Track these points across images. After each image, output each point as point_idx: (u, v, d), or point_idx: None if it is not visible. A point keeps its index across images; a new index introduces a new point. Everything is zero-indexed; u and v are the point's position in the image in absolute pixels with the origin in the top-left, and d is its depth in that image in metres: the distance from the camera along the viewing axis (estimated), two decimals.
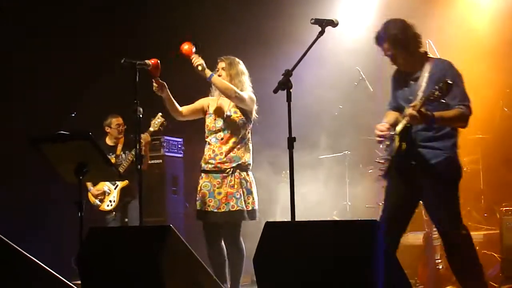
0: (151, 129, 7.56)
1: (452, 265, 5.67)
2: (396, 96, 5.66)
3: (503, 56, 8.54)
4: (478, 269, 5.58)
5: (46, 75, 9.06)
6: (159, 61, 6.03)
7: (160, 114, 7.29)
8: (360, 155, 8.57)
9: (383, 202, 7.18)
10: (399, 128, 5.44)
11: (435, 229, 6.70)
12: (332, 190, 8.37)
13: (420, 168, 5.42)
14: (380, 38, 5.51)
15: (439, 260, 6.80)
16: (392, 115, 5.60)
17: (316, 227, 4.26)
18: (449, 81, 4.97)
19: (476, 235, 7.14)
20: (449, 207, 5.47)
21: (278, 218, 7.92)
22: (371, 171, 8.31)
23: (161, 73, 6.11)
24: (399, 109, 5.56)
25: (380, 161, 5.54)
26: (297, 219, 4.82)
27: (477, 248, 6.77)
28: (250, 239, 5.82)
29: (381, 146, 5.61)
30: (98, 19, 9.54)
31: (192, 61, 6.13)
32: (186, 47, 6.12)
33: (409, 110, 5.17)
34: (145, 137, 7.62)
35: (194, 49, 6.14)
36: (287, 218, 4.93)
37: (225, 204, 6.18)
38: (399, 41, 5.42)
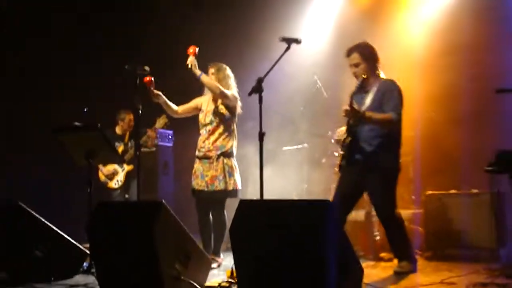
0: (156, 126, 7.58)
1: (388, 238, 5.74)
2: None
3: (431, 69, 8.57)
4: (406, 240, 5.68)
5: (60, 75, 8.94)
6: (152, 78, 6.06)
7: (165, 115, 7.29)
8: (316, 147, 8.56)
9: (334, 186, 7.23)
10: (347, 125, 5.51)
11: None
12: (292, 175, 8.36)
13: (364, 162, 5.46)
14: (351, 50, 5.66)
15: (377, 233, 6.82)
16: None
17: (281, 204, 4.26)
18: (364, 77, 5.42)
19: (406, 213, 7.16)
20: (387, 196, 5.55)
21: (249, 196, 7.90)
22: (324, 160, 8.31)
23: (156, 82, 6.14)
24: None
25: (336, 156, 5.59)
26: (264, 198, 4.82)
27: (406, 223, 6.83)
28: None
29: (332, 140, 5.66)
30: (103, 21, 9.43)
31: (188, 60, 6.13)
32: (191, 50, 6.14)
33: (343, 107, 5.26)
34: (151, 133, 7.69)
35: (196, 51, 6.16)
36: (257, 197, 4.90)
37: (211, 185, 6.23)
38: (367, 56, 5.61)
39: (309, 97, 8.76)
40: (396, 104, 5.48)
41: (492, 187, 5.80)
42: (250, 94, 4.93)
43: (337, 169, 5.72)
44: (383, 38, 8.79)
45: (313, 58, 8.89)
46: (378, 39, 8.69)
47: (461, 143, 8.38)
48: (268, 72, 4.99)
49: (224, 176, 6.22)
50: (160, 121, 7.45)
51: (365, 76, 5.60)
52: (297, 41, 5.21)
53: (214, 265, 5.95)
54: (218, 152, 6.27)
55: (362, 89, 5.66)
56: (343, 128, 5.63)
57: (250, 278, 3.96)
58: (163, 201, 4.51)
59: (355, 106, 5.26)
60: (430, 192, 7.03)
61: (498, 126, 8.00)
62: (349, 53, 5.68)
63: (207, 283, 4.63)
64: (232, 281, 4.34)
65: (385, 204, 5.58)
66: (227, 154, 6.31)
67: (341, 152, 5.64)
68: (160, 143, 8.57)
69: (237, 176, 6.36)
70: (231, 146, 6.37)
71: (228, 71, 6.48)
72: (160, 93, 6.25)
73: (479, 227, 6.42)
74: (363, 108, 5.44)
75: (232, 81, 6.46)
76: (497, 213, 6.32)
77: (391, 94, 5.51)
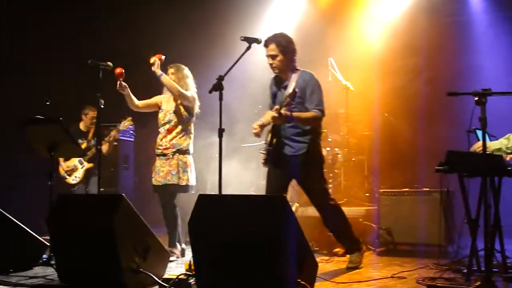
0: (120, 128, 7.54)
1: (328, 228, 5.82)
2: (273, 100, 5.73)
3: (387, 71, 8.71)
4: (348, 228, 5.72)
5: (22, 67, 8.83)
6: (123, 70, 6.06)
7: (130, 118, 7.27)
8: None
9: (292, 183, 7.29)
10: (270, 126, 5.51)
11: None
12: (250, 171, 8.40)
13: (289, 157, 5.50)
14: (269, 40, 5.54)
15: None
16: (268, 114, 5.55)
17: (239, 199, 4.31)
18: (295, 89, 5.21)
19: (360, 210, 7.32)
20: (317, 186, 5.58)
21: (208, 191, 7.92)
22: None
23: (125, 76, 6.14)
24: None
25: (262, 152, 5.60)
26: (222, 193, 4.86)
27: (360, 220, 6.96)
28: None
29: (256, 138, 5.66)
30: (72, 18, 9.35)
31: (152, 59, 6.22)
32: (158, 57, 6.23)
33: (271, 113, 5.27)
34: (114, 133, 7.64)
35: (162, 58, 6.26)
36: (216, 191, 4.93)
37: (164, 179, 6.31)
38: (284, 47, 5.51)
39: (266, 96, 8.81)
40: (319, 101, 5.49)
41: (442, 186, 5.93)
42: (210, 91, 4.96)
43: (262, 162, 5.67)
44: (342, 39, 8.92)
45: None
46: (338, 40, 8.85)
47: (415, 143, 8.56)
48: (228, 70, 5.03)
49: (178, 171, 6.32)
50: (125, 123, 7.42)
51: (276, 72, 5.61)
52: (257, 41, 5.26)
53: (173, 257, 5.98)
54: (174, 150, 6.37)
55: (279, 84, 5.67)
56: (259, 122, 5.54)
57: (208, 271, 4.00)
58: (123, 194, 4.52)
59: (283, 110, 5.25)
60: (383, 189, 7.15)
61: (449, 128, 8.17)
62: (267, 43, 5.54)
63: (166, 276, 4.64)
64: (190, 273, 4.36)
65: (319, 194, 5.64)
66: (183, 151, 6.40)
67: (266, 149, 5.55)
68: (121, 138, 8.54)
69: (191, 172, 6.43)
70: (187, 144, 6.46)
71: (187, 71, 6.55)
72: (127, 85, 6.27)
73: (430, 224, 6.56)
74: (275, 105, 5.43)
75: (190, 80, 6.54)
76: (446, 211, 6.46)
77: (312, 90, 5.50)
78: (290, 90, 5.43)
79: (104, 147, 7.64)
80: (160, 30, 8.98)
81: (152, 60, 6.21)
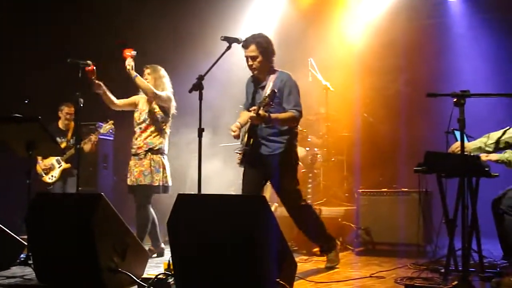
0: (101, 131, 7.48)
1: (300, 229, 5.83)
2: (249, 100, 5.74)
3: (368, 71, 8.75)
4: (320, 228, 5.73)
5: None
6: (94, 67, 6.02)
7: (112, 122, 7.23)
8: None
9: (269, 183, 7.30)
10: (247, 127, 5.51)
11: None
12: (230, 171, 8.40)
13: (266, 157, 5.51)
14: (248, 41, 5.52)
15: None
16: (245, 115, 5.58)
17: (218, 199, 4.31)
18: (275, 90, 5.19)
19: (339, 210, 7.36)
20: (290, 186, 5.58)
21: (187, 191, 7.91)
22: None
23: (97, 74, 6.11)
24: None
25: (238, 152, 5.60)
26: (202, 192, 4.85)
27: (339, 219, 6.99)
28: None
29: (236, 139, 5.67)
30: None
31: (127, 62, 6.19)
32: (128, 53, 6.22)
33: (249, 114, 5.28)
34: (94, 137, 7.59)
35: (133, 54, 6.23)
36: (195, 191, 4.92)
37: (137, 179, 6.30)
38: (263, 48, 5.50)
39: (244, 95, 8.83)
40: (296, 101, 5.52)
41: (421, 186, 5.97)
42: (190, 91, 4.95)
43: (238, 162, 5.69)
44: (322, 39, 8.95)
45: None
46: (318, 40, 8.87)
47: (394, 143, 8.62)
48: (209, 70, 5.02)
49: (151, 172, 6.30)
50: (106, 127, 7.37)
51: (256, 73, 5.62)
52: (237, 41, 5.27)
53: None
54: (147, 149, 6.36)
55: (256, 85, 5.68)
56: (237, 124, 5.55)
57: (187, 271, 3.99)
58: (102, 194, 4.50)
59: (261, 111, 5.26)
60: (362, 189, 7.19)
61: (428, 128, 8.23)
62: (246, 44, 5.52)
63: (145, 275, 4.62)
64: (169, 273, 4.35)
65: (290, 195, 5.62)
66: (155, 151, 6.38)
67: (242, 149, 5.56)
68: (101, 137, 8.48)
69: (165, 173, 6.41)
70: (160, 143, 6.43)
71: (163, 71, 6.57)
72: (101, 83, 6.24)
73: (408, 224, 6.61)
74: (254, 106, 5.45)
75: (166, 80, 6.56)
76: (425, 211, 6.51)
77: (289, 91, 5.52)
78: (268, 90, 5.42)
79: (86, 147, 7.58)
80: (140, 29, 8.95)
81: (127, 64, 6.19)
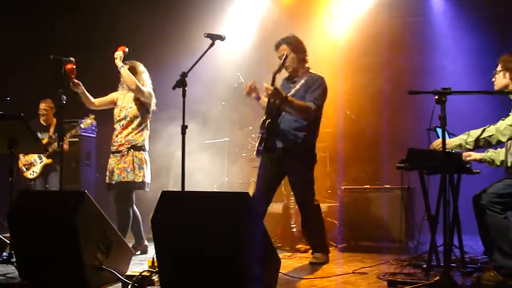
0: (82, 126, 7.45)
1: (306, 228, 5.91)
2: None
3: (350, 69, 8.79)
4: (323, 230, 5.88)
5: None
6: (74, 66, 6.02)
7: (93, 116, 7.20)
8: (237, 142, 8.64)
9: (253, 179, 7.36)
10: (265, 105, 5.66)
11: (292, 200, 6.91)
12: (213, 168, 8.42)
13: (285, 150, 5.60)
14: (279, 42, 5.79)
15: (294, 225, 6.98)
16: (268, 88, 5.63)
17: (202, 196, 4.31)
18: (286, 54, 5.51)
19: (322, 207, 7.34)
20: (307, 186, 5.72)
21: (170, 187, 7.92)
22: (244, 154, 8.41)
23: (77, 73, 6.10)
24: None
25: (254, 141, 5.67)
26: (185, 189, 4.86)
27: (322, 216, 7.02)
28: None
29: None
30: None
31: (116, 53, 6.28)
32: (122, 49, 6.30)
33: (266, 84, 5.39)
34: (74, 131, 7.56)
35: (126, 50, 6.30)
36: (178, 188, 4.93)
37: (119, 176, 6.28)
38: (294, 45, 5.75)
39: (231, 92, 8.84)
40: (317, 96, 5.66)
41: (403, 183, 6.02)
42: (174, 88, 4.95)
43: (254, 153, 5.79)
44: (305, 36, 8.95)
45: (236, 55, 8.98)
46: (301, 37, 8.87)
47: (376, 140, 8.67)
48: (192, 67, 5.02)
49: (133, 168, 6.29)
50: (87, 121, 7.35)
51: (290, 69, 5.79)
52: (221, 38, 5.27)
53: None
54: (129, 146, 6.34)
55: (290, 79, 5.87)
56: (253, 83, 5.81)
57: (171, 268, 4.00)
58: (86, 191, 4.49)
59: (279, 88, 5.41)
60: (345, 186, 7.23)
61: (411, 126, 8.29)
62: (277, 45, 5.82)
63: (129, 272, 4.62)
64: (154, 270, 4.36)
65: (306, 191, 5.76)
66: (137, 148, 6.37)
67: (260, 136, 5.71)
68: (83, 134, 8.46)
69: (146, 169, 6.42)
70: (143, 141, 6.43)
71: (142, 67, 6.57)
72: (79, 83, 6.23)
73: (391, 220, 6.68)
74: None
75: (146, 76, 6.56)
76: (407, 207, 6.58)
77: (316, 87, 5.69)
78: (298, 85, 5.69)
79: (66, 146, 7.56)
80: (124, 26, 8.92)
81: (116, 54, 6.24)
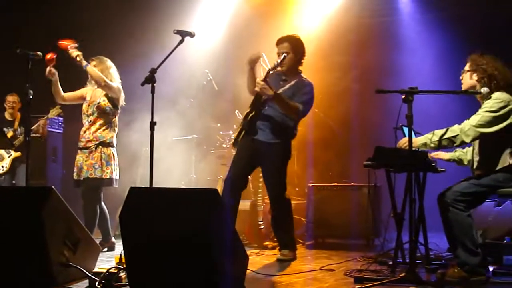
0: (49, 116, 7.38)
1: (275, 223, 5.95)
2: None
3: (318, 68, 8.84)
4: (291, 226, 5.93)
5: None
6: (54, 57, 5.98)
7: (58, 106, 7.12)
8: (205, 139, 8.64)
9: (221, 176, 7.39)
10: (252, 101, 5.75)
11: (259, 197, 6.95)
12: (181, 165, 8.42)
13: (262, 144, 5.66)
14: (283, 39, 5.87)
15: (261, 222, 7.02)
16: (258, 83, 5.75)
17: (170, 192, 4.32)
18: (285, 54, 5.56)
19: None
20: (281, 178, 5.78)
21: (138, 184, 7.89)
22: (212, 151, 8.42)
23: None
24: None
25: (233, 136, 5.77)
26: (153, 186, 4.86)
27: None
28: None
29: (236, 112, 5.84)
30: None
31: (70, 53, 6.17)
32: (62, 42, 6.20)
33: (258, 80, 5.46)
34: (43, 121, 7.49)
35: (73, 44, 6.20)
36: (146, 184, 4.93)
37: (86, 172, 6.24)
38: (296, 48, 5.83)
39: (200, 89, 8.84)
40: (306, 101, 5.78)
41: (370, 180, 6.10)
42: (143, 84, 4.94)
43: (231, 144, 5.89)
44: (274, 35, 8.99)
45: (205, 52, 8.98)
46: (270, 36, 8.89)
47: (344, 138, 8.75)
48: (161, 63, 5.01)
49: (101, 165, 6.26)
50: (53, 112, 7.28)
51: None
52: (190, 35, 5.25)
53: None
54: (97, 142, 6.31)
55: (280, 76, 5.89)
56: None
57: (139, 265, 4.00)
58: (53, 187, 4.46)
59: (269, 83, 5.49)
60: (312, 184, 7.29)
61: (378, 124, 8.39)
62: (280, 41, 5.87)
63: (96, 269, 4.61)
64: (121, 267, 4.35)
65: (279, 183, 5.83)
66: (106, 144, 6.35)
67: (240, 127, 5.84)
68: (50, 129, 8.38)
69: (114, 165, 6.39)
70: (111, 137, 6.41)
71: (109, 62, 6.52)
72: (56, 72, 6.19)
73: (357, 218, 6.75)
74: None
75: (114, 71, 6.51)
76: (374, 205, 6.66)
77: (305, 92, 5.79)
78: (287, 85, 5.75)
79: (40, 132, 7.51)
80: (91, 22, 8.86)
81: (74, 54, 6.16)
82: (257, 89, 5.57)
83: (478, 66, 4.78)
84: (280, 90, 5.66)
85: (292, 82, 5.80)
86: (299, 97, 5.73)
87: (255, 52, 5.81)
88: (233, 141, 5.93)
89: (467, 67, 4.89)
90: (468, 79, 4.87)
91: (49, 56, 6.00)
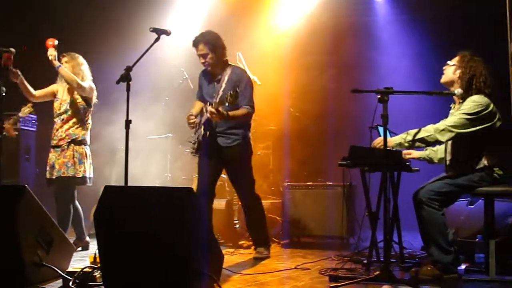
0: (20, 114, 7.29)
1: (248, 220, 5.99)
2: (202, 91, 6.00)
3: (293, 67, 8.88)
4: (265, 225, 5.97)
5: None
6: (12, 56, 5.89)
7: (31, 104, 7.04)
8: (180, 138, 8.62)
9: (196, 175, 7.38)
10: (203, 119, 5.74)
11: (235, 196, 6.96)
12: (156, 164, 8.39)
13: (224, 148, 5.71)
14: (197, 40, 5.83)
15: (237, 221, 7.03)
16: (198, 106, 6.00)
17: (145, 191, 4.31)
18: (238, 90, 5.34)
19: (265, 203, 7.42)
20: (246, 176, 5.82)
21: (113, 182, 7.85)
22: (187, 150, 8.40)
23: (15, 62, 5.98)
24: (204, 100, 5.90)
25: (191, 141, 5.81)
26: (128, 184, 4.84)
27: (265, 212, 7.08)
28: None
29: (193, 130, 5.84)
30: None
31: (48, 52, 6.12)
32: (50, 42, 6.16)
33: (210, 109, 5.46)
34: (14, 119, 7.41)
35: (55, 43, 6.16)
36: (121, 183, 4.90)
37: (59, 171, 6.20)
38: (212, 45, 5.79)
39: (175, 87, 8.82)
40: (249, 97, 5.84)
41: (345, 180, 6.14)
42: (118, 82, 4.92)
43: (192, 151, 5.87)
44: (250, 33, 9.02)
45: (181, 50, 8.95)
46: (246, 34, 8.92)
47: (319, 137, 8.79)
48: (137, 61, 4.99)
49: (74, 163, 6.22)
50: (25, 110, 7.19)
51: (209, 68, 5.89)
52: (166, 33, 5.24)
53: None
54: (69, 140, 6.28)
55: (212, 78, 5.93)
56: (193, 113, 5.86)
57: (114, 263, 3.99)
58: (26, 185, 4.42)
59: (221, 109, 5.44)
60: (288, 183, 7.32)
61: (353, 124, 8.44)
62: (195, 44, 5.85)
63: (70, 269, 4.58)
64: (95, 266, 4.33)
65: (245, 179, 5.93)
66: (78, 142, 6.31)
67: (197, 140, 5.82)
68: (23, 127, 8.28)
69: (87, 164, 6.36)
70: (84, 135, 6.38)
71: (81, 59, 6.49)
72: (18, 71, 6.10)
73: (332, 217, 6.79)
74: (217, 97, 5.64)
75: (85, 68, 6.48)
76: (349, 204, 6.70)
77: (243, 87, 5.78)
78: (223, 84, 5.76)
79: (12, 132, 7.43)
80: (66, 18, 8.79)
81: (49, 54, 6.13)
82: (209, 116, 5.55)
83: (466, 64, 4.83)
84: (220, 93, 5.67)
85: (226, 78, 5.83)
86: (242, 98, 5.66)
87: (190, 119, 5.82)
88: (194, 151, 5.87)
89: (453, 61, 4.94)
90: (450, 73, 4.93)
91: (5, 56, 5.88)
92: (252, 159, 6.06)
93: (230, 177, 6.09)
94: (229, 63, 5.96)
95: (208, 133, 5.75)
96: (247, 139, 5.97)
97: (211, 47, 5.79)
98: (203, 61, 5.85)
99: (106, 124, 7.44)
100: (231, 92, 5.26)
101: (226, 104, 5.28)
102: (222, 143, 5.81)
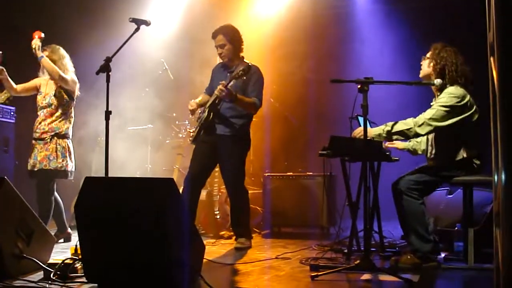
0: None
1: (233, 211, 6.02)
2: (214, 84, 6.01)
3: (272, 58, 8.87)
4: (248, 218, 5.99)
5: None
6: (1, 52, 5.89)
7: (6, 91, 6.98)
8: (160, 129, 8.62)
9: (177, 166, 7.39)
10: (210, 102, 5.86)
11: (215, 187, 6.98)
12: (136, 155, 8.37)
13: (221, 136, 5.76)
14: (216, 31, 5.97)
15: (217, 212, 7.03)
16: (205, 97, 6.13)
17: (126, 182, 4.30)
18: (249, 64, 5.57)
19: None
20: (235, 168, 5.86)
21: (93, 174, 7.81)
22: (168, 141, 8.41)
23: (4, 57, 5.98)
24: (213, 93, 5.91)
25: (190, 130, 5.89)
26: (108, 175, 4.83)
27: None
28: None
29: (190, 116, 5.95)
30: None
31: (33, 42, 6.16)
32: (36, 35, 6.18)
33: (220, 86, 5.52)
34: None
35: (42, 35, 6.19)
36: (102, 174, 4.89)
37: (41, 164, 6.17)
38: (230, 37, 5.94)
39: (155, 78, 8.80)
40: (259, 91, 5.95)
41: (325, 170, 6.18)
42: (97, 73, 4.89)
43: (190, 139, 5.96)
44: (231, 23, 9.00)
45: (161, 42, 8.93)
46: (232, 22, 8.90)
47: (300, 128, 8.82)
48: (116, 52, 4.96)
49: (56, 156, 6.19)
50: (2, 96, 7.16)
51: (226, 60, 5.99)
52: (146, 23, 5.21)
53: None
54: (52, 133, 6.24)
55: (226, 68, 6.04)
56: (196, 101, 6.03)
57: (95, 255, 3.98)
58: (5, 177, 4.39)
59: (230, 87, 5.58)
60: (268, 173, 7.34)
61: (333, 114, 8.48)
62: (214, 34, 5.98)
63: (51, 260, 4.56)
64: (76, 258, 4.32)
65: (238, 173, 5.96)
66: (61, 136, 6.28)
67: (199, 126, 5.97)
68: (1, 119, 8.22)
69: (70, 157, 6.33)
70: (67, 128, 6.35)
71: (62, 51, 6.46)
72: (3, 69, 6.08)
73: (313, 207, 6.84)
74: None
75: (67, 60, 6.44)
76: (329, 194, 6.75)
77: (256, 80, 5.92)
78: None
79: None
80: (46, 10, 8.71)
81: (33, 43, 6.12)
82: (217, 93, 5.61)
83: (437, 56, 4.88)
84: (232, 83, 5.68)
85: (240, 68, 5.83)
86: (252, 90, 5.86)
87: (191, 105, 6.02)
88: (192, 138, 6.08)
89: (428, 55, 4.99)
90: (426, 66, 4.99)
91: None
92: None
93: (221, 166, 6.10)
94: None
95: (211, 115, 5.83)
96: (247, 131, 6.06)
97: (229, 38, 5.93)
98: (220, 51, 5.97)
99: (86, 115, 7.41)
100: (244, 68, 5.47)
101: (235, 79, 5.54)
102: (221, 131, 5.89)
